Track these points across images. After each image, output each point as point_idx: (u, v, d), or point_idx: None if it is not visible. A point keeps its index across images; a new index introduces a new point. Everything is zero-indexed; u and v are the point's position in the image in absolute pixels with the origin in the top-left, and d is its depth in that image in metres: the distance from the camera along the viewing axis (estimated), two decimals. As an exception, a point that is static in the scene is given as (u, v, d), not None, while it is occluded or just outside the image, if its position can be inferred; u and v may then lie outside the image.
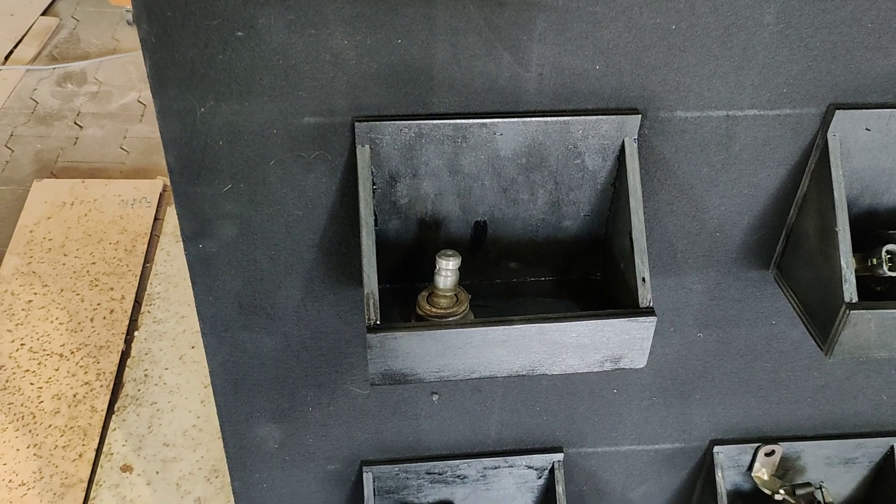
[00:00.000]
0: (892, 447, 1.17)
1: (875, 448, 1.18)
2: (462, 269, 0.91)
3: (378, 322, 0.77)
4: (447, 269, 0.81)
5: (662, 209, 0.91)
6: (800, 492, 1.15)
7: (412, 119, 0.80)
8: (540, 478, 1.15)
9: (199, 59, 0.74)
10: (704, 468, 1.18)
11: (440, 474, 1.12)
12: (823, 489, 1.15)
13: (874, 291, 0.90)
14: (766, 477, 1.17)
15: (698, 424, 1.13)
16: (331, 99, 0.78)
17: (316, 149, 0.81)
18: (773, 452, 1.16)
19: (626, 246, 0.83)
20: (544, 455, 1.12)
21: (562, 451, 1.13)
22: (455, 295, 0.84)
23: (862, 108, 0.84)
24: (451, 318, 0.83)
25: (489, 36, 0.76)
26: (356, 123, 0.79)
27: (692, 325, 1.02)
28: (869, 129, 0.85)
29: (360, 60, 0.76)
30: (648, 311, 0.80)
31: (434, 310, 0.84)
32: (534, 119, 0.81)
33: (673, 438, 1.15)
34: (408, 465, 1.10)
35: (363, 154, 0.80)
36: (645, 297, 0.81)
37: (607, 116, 0.82)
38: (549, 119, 0.81)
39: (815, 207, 0.88)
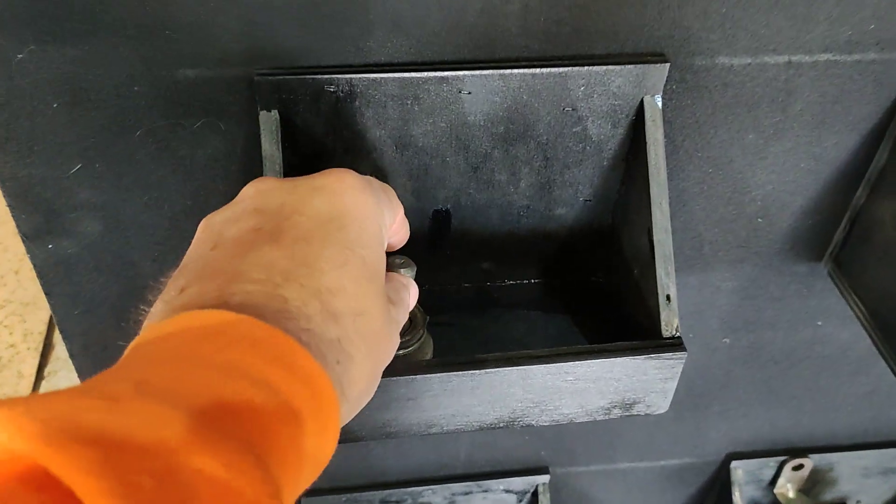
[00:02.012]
0: (940, 456, 0.98)
1: (921, 457, 0.99)
2: (420, 272, 0.67)
3: (294, 366, 0.54)
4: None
5: (689, 190, 0.67)
6: (833, 514, 0.96)
7: (340, 72, 0.55)
8: (521, 502, 0.95)
9: (-3, -19, 0.48)
10: (718, 484, 0.98)
11: (398, 502, 0.91)
12: (861, 511, 0.96)
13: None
14: (791, 494, 0.98)
15: (714, 439, 0.93)
16: (217, 42, 0.53)
17: (201, 114, 0.56)
18: (801, 466, 0.96)
19: (643, 248, 0.60)
20: (526, 478, 0.92)
21: (547, 473, 0.92)
22: (409, 318, 0.60)
23: (975, 53, 0.60)
24: (400, 352, 0.60)
25: (451, -54, 0.51)
26: (257, 79, 0.54)
27: (717, 329, 0.80)
28: (981, 82, 0.62)
29: (252, -16, 0.50)
30: (674, 344, 0.57)
31: None
32: (516, 71, 0.56)
33: (682, 454, 0.95)
34: (358, 493, 0.89)
35: (269, 122, 0.55)
36: (670, 322, 0.58)
37: (621, 66, 0.57)
38: (537, 71, 0.56)
39: (897, 188, 0.65)
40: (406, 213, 0.64)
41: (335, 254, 0.36)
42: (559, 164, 0.62)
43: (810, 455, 0.96)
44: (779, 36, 0.58)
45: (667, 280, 0.58)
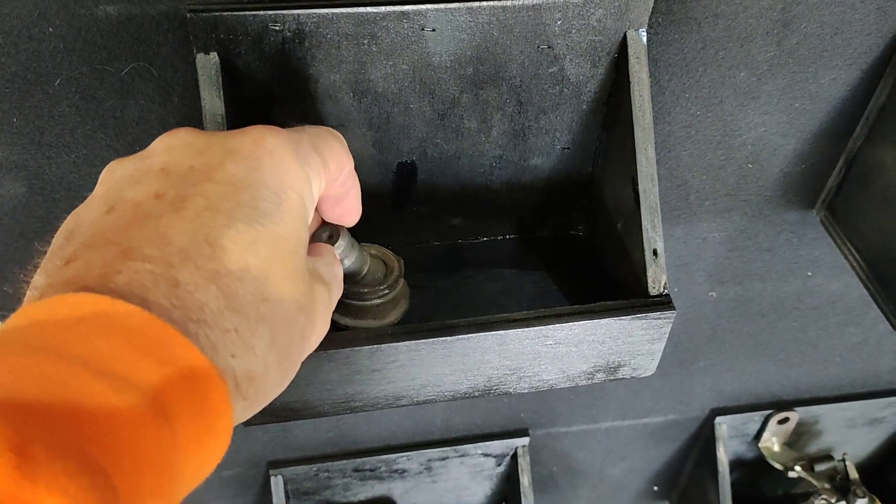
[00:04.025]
0: (927, 403, 0.96)
1: (908, 406, 0.96)
2: (382, 231, 0.62)
3: (246, 340, 0.49)
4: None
5: (675, 134, 0.62)
6: (819, 467, 0.94)
7: (286, 7, 0.49)
8: (500, 465, 0.91)
9: None
10: (702, 440, 0.95)
11: (372, 471, 0.87)
12: (847, 463, 0.94)
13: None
14: (776, 448, 0.96)
15: (699, 394, 0.90)
16: (140, -26, 0.46)
17: (129, 59, 0.50)
18: (787, 420, 0.93)
19: (626, 198, 0.55)
20: (505, 441, 0.88)
21: (527, 435, 0.89)
22: (373, 270, 0.54)
23: None
24: (376, 300, 0.54)
25: None
26: (190, 16, 0.47)
27: (703, 282, 0.75)
28: None
29: None
30: (662, 303, 0.53)
31: (348, 296, 0.54)
32: (485, 3, 0.50)
33: (667, 411, 0.91)
34: (329, 463, 0.85)
35: (207, 67, 0.49)
36: (657, 279, 0.53)
37: (602, -4, 0.51)
38: (508, 3, 0.50)
39: (898, 128, 0.60)
40: (367, 167, 0.58)
41: (243, 229, 0.31)
42: (534, 109, 0.57)
43: (796, 408, 0.93)
44: (775, -40, 0.53)
45: (653, 233, 0.53)
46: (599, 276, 0.62)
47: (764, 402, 0.93)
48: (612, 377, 0.56)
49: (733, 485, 0.96)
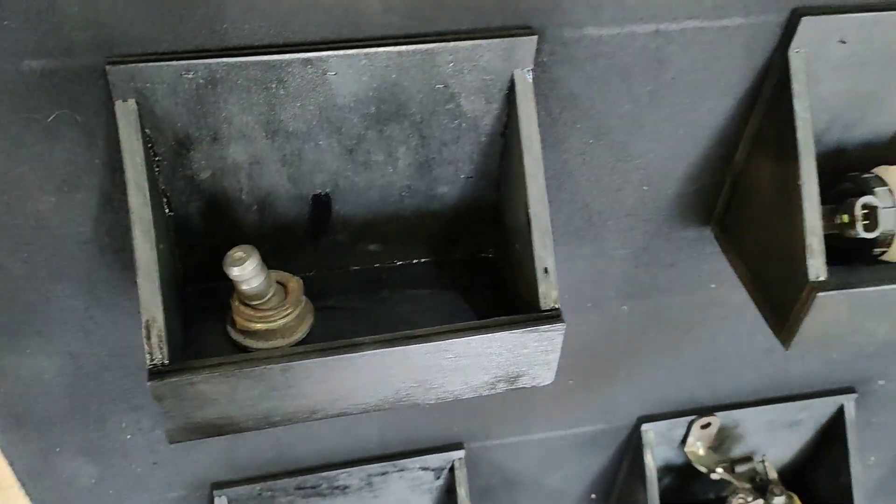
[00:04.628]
0: (841, 406, 1.02)
1: (822, 408, 1.02)
2: (303, 259, 0.67)
3: (166, 361, 0.53)
4: (243, 276, 0.55)
5: (572, 161, 0.68)
6: (740, 468, 0.99)
7: (197, 57, 0.53)
8: (438, 478, 0.95)
9: None
10: (631, 447, 1.00)
11: (314, 488, 0.91)
12: (766, 463, 0.99)
13: (838, 250, 0.70)
14: (701, 452, 1.01)
15: (624, 403, 0.95)
16: (60, 30, 0.51)
17: (53, 107, 0.54)
18: (709, 425, 0.99)
19: (521, 222, 0.60)
20: (441, 454, 0.92)
21: (462, 448, 0.93)
22: (277, 292, 0.59)
23: (836, 14, 0.61)
24: (283, 319, 0.59)
25: (299, -77, 0.49)
26: (109, 67, 0.52)
27: (614, 297, 0.81)
28: (845, 42, 0.63)
29: (86, -31, 0.48)
30: (553, 316, 0.58)
31: (256, 320, 0.59)
32: (381, 49, 0.55)
33: (594, 420, 0.96)
34: (272, 482, 0.88)
35: (127, 113, 0.53)
36: (548, 295, 0.58)
37: (488, 40, 0.57)
38: (403, 48, 0.56)
39: (770, 150, 0.66)
40: (284, 201, 0.63)
41: None
42: (436, 143, 0.62)
43: (716, 413, 0.98)
44: (644, 4, 0.59)
45: (544, 253, 0.58)
46: (507, 294, 0.67)
47: (686, 408, 0.98)
48: (512, 386, 0.61)
49: (665, 489, 1.01)
